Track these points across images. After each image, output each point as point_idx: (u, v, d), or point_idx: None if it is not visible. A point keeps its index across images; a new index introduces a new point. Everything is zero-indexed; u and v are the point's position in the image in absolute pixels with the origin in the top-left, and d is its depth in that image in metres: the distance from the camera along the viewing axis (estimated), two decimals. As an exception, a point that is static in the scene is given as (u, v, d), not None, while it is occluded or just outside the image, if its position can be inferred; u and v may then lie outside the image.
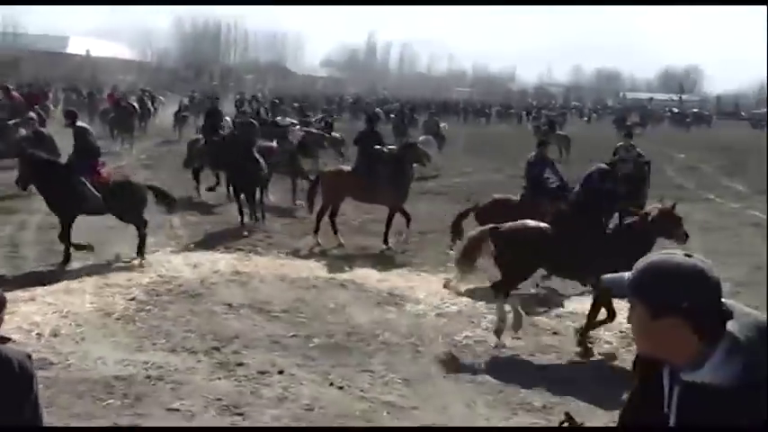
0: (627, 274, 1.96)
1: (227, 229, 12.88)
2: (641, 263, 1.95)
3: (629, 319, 1.98)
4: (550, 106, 67.90)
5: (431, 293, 9.39)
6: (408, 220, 12.06)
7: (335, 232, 11.98)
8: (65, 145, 11.24)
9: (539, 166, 11.13)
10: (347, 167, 12.84)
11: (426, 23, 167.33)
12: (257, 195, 13.23)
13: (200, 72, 66.47)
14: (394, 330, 7.99)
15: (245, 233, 12.36)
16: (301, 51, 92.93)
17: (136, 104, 27.23)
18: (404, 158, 12.12)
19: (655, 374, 1.98)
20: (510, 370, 7.10)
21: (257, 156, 13.11)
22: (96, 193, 10.14)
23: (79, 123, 10.82)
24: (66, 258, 10.03)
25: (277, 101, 33.75)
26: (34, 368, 3.71)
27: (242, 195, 12.91)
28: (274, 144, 15.54)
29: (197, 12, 77.32)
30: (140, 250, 10.34)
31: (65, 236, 10.06)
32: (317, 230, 11.89)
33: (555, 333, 8.21)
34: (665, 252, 1.98)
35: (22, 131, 14.99)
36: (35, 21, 79.59)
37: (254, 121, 14.90)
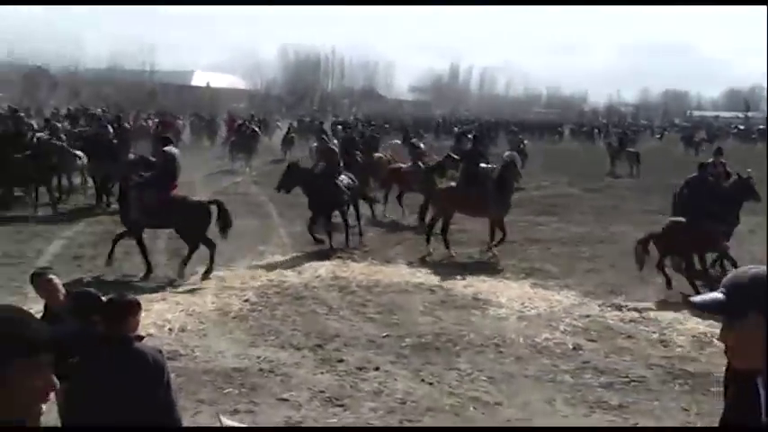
0: (715, 294, 1.84)
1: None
2: (737, 279, 1.83)
3: (724, 338, 1.85)
4: (621, 124, 65.80)
5: (512, 298, 9.22)
6: (504, 234, 11.77)
7: (447, 246, 11.73)
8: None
9: (697, 189, 10.46)
10: (453, 184, 12.69)
11: (504, 49, 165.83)
12: (339, 216, 12.42)
13: (302, 98, 67.80)
14: (478, 332, 7.89)
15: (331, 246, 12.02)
16: (391, 77, 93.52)
17: (256, 128, 27.71)
18: (505, 176, 11.93)
19: (750, 384, 1.86)
20: (587, 370, 6.90)
21: (338, 180, 12.23)
22: (162, 209, 9.97)
23: (169, 149, 10.59)
24: (148, 269, 9.92)
25: (371, 123, 33.97)
26: (166, 359, 3.89)
27: (320, 216, 12.12)
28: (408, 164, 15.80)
29: (300, 43, 78.97)
30: (208, 269, 9.77)
31: (141, 248, 10.07)
32: (428, 240, 11.77)
33: (629, 336, 7.93)
34: (751, 267, 1.87)
35: (131, 156, 15.21)
36: (167, 58, 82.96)
37: (335, 147, 13.86)
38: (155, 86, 59.28)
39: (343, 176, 12.42)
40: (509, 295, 9.36)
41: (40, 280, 4.50)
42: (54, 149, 15.62)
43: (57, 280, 4.51)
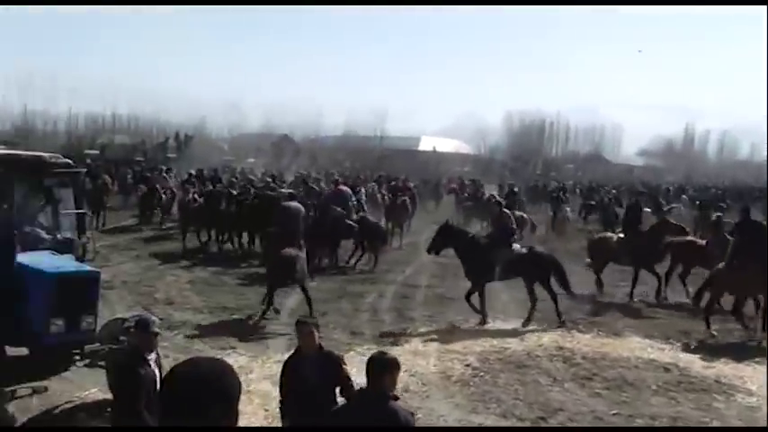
0: None
1: (552, 304, 12.55)
2: None
3: None
4: None
5: (763, 385, 8.16)
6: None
7: (708, 326, 10.57)
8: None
9: None
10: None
11: (747, 112, 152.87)
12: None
13: (525, 163, 67.54)
14: (724, 421, 7.07)
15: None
16: (618, 142, 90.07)
17: (486, 192, 28.03)
18: None
19: None
20: None
21: (510, 247, 11.46)
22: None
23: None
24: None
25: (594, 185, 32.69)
26: (415, 423, 3.98)
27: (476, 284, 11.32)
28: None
29: (524, 109, 79.12)
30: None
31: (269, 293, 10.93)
32: (708, 324, 10.59)
33: None
34: None
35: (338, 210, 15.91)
36: (396, 125, 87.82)
37: (508, 213, 12.77)
38: (384, 151, 62.66)
39: (517, 245, 11.52)
40: (760, 382, 8.31)
41: (302, 327, 5.06)
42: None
43: (315, 330, 5.05)
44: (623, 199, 27.13)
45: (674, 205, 23.33)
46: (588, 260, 14.39)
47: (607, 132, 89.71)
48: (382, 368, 3.92)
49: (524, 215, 19.95)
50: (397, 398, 4.01)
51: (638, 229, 13.77)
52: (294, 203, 12.33)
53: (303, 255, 11.35)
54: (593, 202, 26.83)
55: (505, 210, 12.48)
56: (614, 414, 7.22)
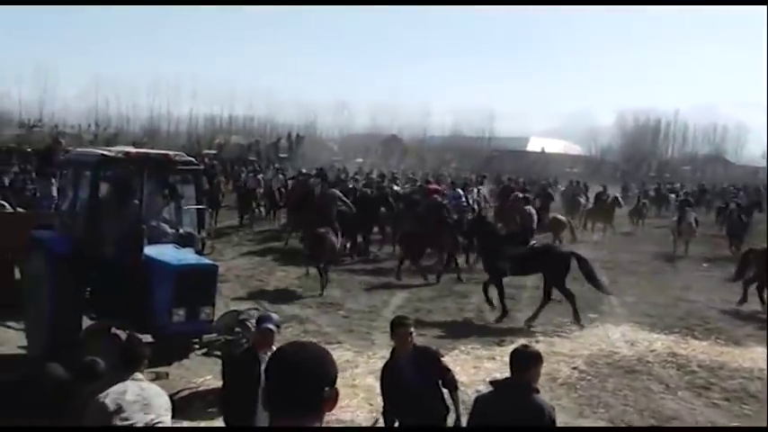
0: None
1: (666, 309, 12.08)
2: None
3: None
4: None
5: None
6: None
7: None
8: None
9: None
10: None
11: None
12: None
13: (638, 165, 64.93)
14: None
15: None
16: (743, 142, 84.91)
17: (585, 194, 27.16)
18: None
19: None
20: None
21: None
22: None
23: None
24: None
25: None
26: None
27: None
28: None
29: (639, 108, 75.97)
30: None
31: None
32: None
33: None
34: None
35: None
36: (504, 125, 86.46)
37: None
38: (492, 152, 62.01)
39: (534, 242, 11.73)
40: None
41: (399, 329, 4.95)
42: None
43: (410, 332, 4.94)
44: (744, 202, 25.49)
45: None
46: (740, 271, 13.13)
47: (730, 133, 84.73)
48: (527, 361, 4.03)
49: (559, 216, 19.36)
50: (537, 390, 4.06)
51: None
52: (331, 191, 15.73)
53: (334, 237, 13.23)
54: (725, 205, 25.11)
55: (528, 207, 13.14)
56: (735, 427, 6.86)
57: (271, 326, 5.14)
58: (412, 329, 4.96)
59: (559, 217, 19.30)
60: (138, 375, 4.15)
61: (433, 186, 19.22)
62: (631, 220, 25.20)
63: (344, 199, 16.21)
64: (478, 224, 12.73)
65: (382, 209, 17.15)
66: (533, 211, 13.24)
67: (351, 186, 20.47)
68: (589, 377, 8.27)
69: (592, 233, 22.03)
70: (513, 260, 11.21)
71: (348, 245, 16.91)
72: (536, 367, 4.05)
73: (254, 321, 7.36)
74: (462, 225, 14.61)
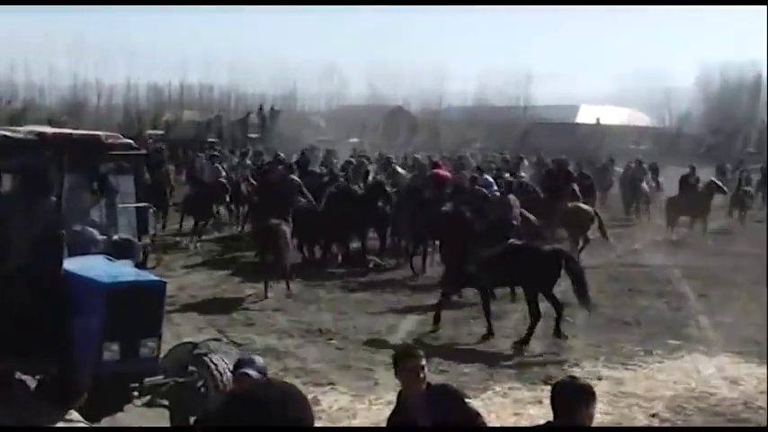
0: None
1: None
2: None
3: None
4: None
5: None
6: None
7: None
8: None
9: None
10: None
11: None
12: None
13: (731, 138, 64.73)
14: None
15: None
16: None
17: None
18: None
19: None
20: None
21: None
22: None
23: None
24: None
25: None
26: None
27: None
28: None
29: (729, 61, 75.80)
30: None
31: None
32: None
33: None
34: None
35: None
36: (546, 92, 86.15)
37: None
38: (529, 125, 61.96)
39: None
40: None
41: (406, 362, 4.84)
42: None
43: (424, 364, 4.80)
44: None
45: None
46: None
47: None
48: (577, 398, 3.99)
49: (582, 206, 18.36)
50: None
51: None
52: (291, 177, 17.41)
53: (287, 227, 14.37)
54: None
55: (510, 196, 14.10)
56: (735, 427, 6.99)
57: (251, 371, 4.94)
58: (424, 363, 4.87)
59: (583, 206, 18.28)
60: (75, 415, 4.05)
61: (442, 172, 18.85)
62: (729, 212, 25.03)
63: (304, 190, 17.11)
64: (450, 216, 13.17)
65: (379, 203, 17.16)
66: (513, 202, 14.22)
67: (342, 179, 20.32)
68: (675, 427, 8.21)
69: (670, 231, 21.80)
70: (484, 264, 11.47)
71: (339, 256, 16.88)
72: (587, 407, 4.00)
73: (214, 357, 7.31)
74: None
